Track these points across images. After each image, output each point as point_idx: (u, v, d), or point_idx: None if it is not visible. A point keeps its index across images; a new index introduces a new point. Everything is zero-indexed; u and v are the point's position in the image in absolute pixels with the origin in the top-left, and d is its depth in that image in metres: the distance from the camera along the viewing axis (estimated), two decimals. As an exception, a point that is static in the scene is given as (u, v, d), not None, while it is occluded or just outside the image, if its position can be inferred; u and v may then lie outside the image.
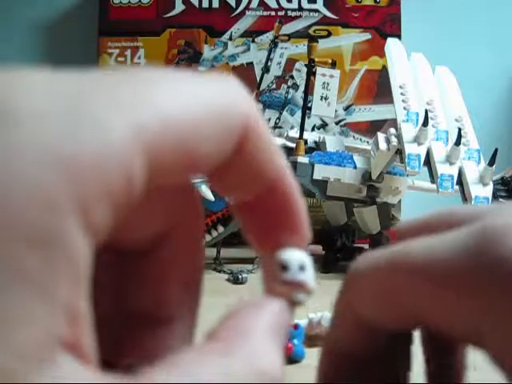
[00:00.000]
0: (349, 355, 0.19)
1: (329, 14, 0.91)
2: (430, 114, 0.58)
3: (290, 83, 0.90)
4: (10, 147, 0.10)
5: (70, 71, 0.12)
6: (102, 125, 0.11)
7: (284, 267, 0.15)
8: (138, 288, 0.16)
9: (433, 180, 0.56)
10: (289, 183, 0.16)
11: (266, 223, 0.16)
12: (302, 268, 0.15)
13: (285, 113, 0.90)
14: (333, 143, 0.72)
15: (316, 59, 0.68)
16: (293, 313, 0.15)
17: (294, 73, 0.90)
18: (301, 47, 0.90)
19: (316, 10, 0.91)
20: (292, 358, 0.32)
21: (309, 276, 0.16)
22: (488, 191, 0.54)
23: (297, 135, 0.69)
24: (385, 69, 0.81)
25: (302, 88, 0.86)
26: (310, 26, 0.91)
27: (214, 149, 0.13)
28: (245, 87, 0.14)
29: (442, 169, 0.55)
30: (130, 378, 0.11)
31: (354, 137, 0.90)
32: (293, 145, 0.68)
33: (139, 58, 0.91)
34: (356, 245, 0.67)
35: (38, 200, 0.10)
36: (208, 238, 0.61)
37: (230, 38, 0.91)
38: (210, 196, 0.59)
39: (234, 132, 0.14)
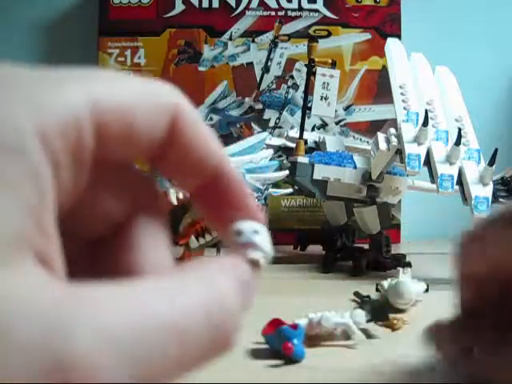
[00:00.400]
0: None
1: (329, 14, 0.91)
2: (430, 114, 0.58)
3: (290, 83, 0.90)
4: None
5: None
6: (60, 87, 0.14)
7: (238, 233, 0.17)
8: (112, 268, 0.17)
9: (433, 180, 0.56)
10: (229, 168, 0.18)
11: (219, 206, 0.18)
12: (255, 231, 0.17)
13: (285, 113, 0.90)
14: (333, 143, 0.72)
15: (316, 59, 0.68)
16: (253, 273, 0.16)
17: (294, 73, 0.90)
18: (301, 47, 0.90)
19: (316, 10, 0.91)
20: (292, 358, 0.32)
21: (263, 239, 0.17)
22: (488, 191, 0.54)
23: (297, 135, 0.69)
24: (385, 69, 0.81)
25: (302, 88, 0.86)
26: (310, 26, 0.91)
27: (147, 124, 0.15)
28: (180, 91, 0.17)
29: (442, 169, 0.55)
30: (86, 289, 0.12)
31: (354, 137, 0.90)
32: (293, 145, 0.68)
33: (139, 57, 0.91)
34: (356, 245, 0.67)
35: (7, 124, 0.12)
36: (208, 237, 0.61)
37: (230, 38, 0.91)
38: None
39: (164, 112, 0.16)
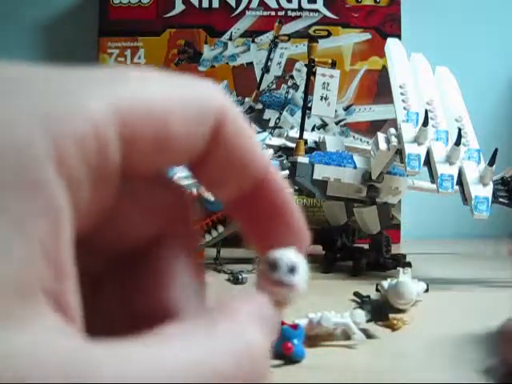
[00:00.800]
0: None
1: (329, 14, 0.91)
2: (430, 114, 0.58)
3: (290, 83, 0.90)
4: (6, 110, 0.11)
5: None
6: (77, 96, 0.12)
7: (273, 267, 0.15)
8: (141, 289, 0.16)
9: (433, 180, 0.56)
10: (276, 180, 0.16)
11: (259, 222, 0.16)
12: (292, 270, 0.15)
13: (285, 113, 0.90)
14: (333, 143, 0.72)
15: (316, 59, 0.68)
16: (280, 312, 0.15)
17: (294, 73, 0.90)
18: (301, 47, 0.90)
19: (316, 10, 0.91)
20: (292, 358, 0.32)
21: (299, 278, 0.15)
22: (488, 191, 0.54)
23: (297, 135, 0.69)
24: (385, 69, 0.81)
25: (302, 88, 0.86)
26: (310, 26, 0.91)
27: (186, 132, 0.14)
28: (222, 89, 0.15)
29: (441, 169, 0.55)
30: (108, 344, 0.11)
31: (354, 137, 0.90)
32: (293, 145, 0.68)
33: (139, 58, 0.91)
34: (356, 245, 0.67)
35: (18, 148, 0.11)
36: (208, 237, 0.61)
37: (230, 38, 0.91)
38: (209, 196, 0.59)
39: (207, 117, 0.14)
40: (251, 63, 0.91)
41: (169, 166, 0.14)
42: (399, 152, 0.58)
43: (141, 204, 0.15)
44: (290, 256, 0.15)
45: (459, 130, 0.56)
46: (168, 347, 0.12)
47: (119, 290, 0.16)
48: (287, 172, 0.64)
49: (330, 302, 0.42)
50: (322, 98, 0.68)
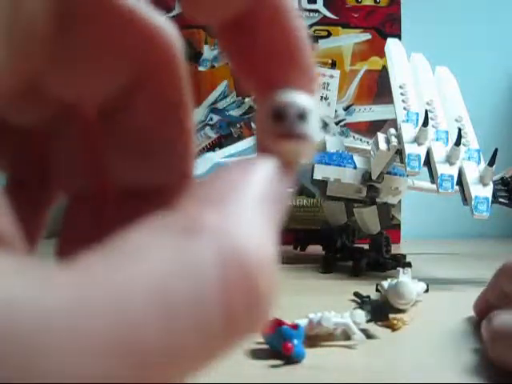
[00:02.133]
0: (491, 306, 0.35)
1: (329, 14, 0.91)
2: (430, 115, 0.58)
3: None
4: None
5: None
6: None
7: (278, 116, 0.12)
8: (117, 157, 0.13)
9: (433, 180, 0.56)
10: None
11: (257, 54, 0.12)
12: (301, 116, 0.12)
13: (285, 113, 0.90)
14: (333, 143, 0.72)
15: (316, 59, 0.69)
16: (292, 172, 0.12)
17: (294, 73, 0.90)
18: (301, 47, 0.90)
19: (316, 10, 0.91)
20: (292, 358, 0.32)
21: (310, 126, 0.12)
22: (488, 191, 0.54)
23: (297, 135, 0.69)
24: (385, 69, 0.81)
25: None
26: (310, 26, 0.91)
27: None
28: None
29: (441, 169, 0.55)
30: (50, 267, 0.08)
31: (354, 137, 0.90)
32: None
33: (139, 58, 0.91)
34: (356, 245, 0.67)
35: None
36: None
37: (230, 38, 0.91)
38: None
39: None
40: (251, 63, 0.91)
41: None
42: (399, 152, 0.58)
43: (93, 48, 0.12)
44: (300, 99, 0.12)
45: (459, 130, 0.56)
46: (118, 272, 0.08)
47: (91, 154, 0.13)
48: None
49: (330, 302, 0.42)
50: (322, 98, 0.68)
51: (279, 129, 0.12)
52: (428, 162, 0.56)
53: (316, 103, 0.12)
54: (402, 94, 0.62)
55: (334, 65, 0.88)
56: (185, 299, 0.08)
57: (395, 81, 0.63)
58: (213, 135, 0.85)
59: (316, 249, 0.70)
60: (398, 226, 0.89)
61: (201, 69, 0.91)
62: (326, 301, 0.41)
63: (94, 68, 0.12)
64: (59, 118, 0.13)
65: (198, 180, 0.11)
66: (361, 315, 0.37)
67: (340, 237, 0.66)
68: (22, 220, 0.09)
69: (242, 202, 0.10)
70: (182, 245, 0.09)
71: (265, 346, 0.34)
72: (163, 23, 0.12)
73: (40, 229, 0.14)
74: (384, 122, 0.89)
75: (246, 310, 0.09)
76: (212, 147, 0.86)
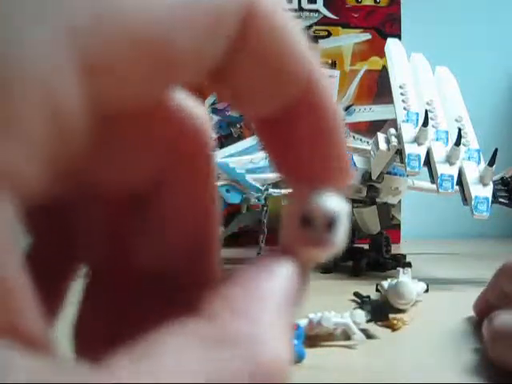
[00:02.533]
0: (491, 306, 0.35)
1: (329, 14, 0.91)
2: (430, 114, 0.58)
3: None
4: None
5: None
6: (10, 39, 0.08)
7: (307, 221, 0.12)
8: (142, 243, 0.14)
9: (433, 180, 0.56)
10: (322, 93, 0.12)
11: (294, 147, 0.12)
12: (329, 225, 0.12)
13: (285, 113, 0.90)
14: (333, 143, 0.72)
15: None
16: (308, 273, 0.12)
17: (294, 73, 0.90)
18: (301, 47, 0.90)
19: (316, 11, 0.91)
20: (292, 358, 0.32)
21: (337, 234, 0.12)
22: (488, 191, 0.54)
23: (297, 135, 0.69)
24: (385, 69, 0.81)
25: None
26: (310, 26, 0.91)
27: (195, 42, 0.10)
28: None
29: (441, 169, 0.55)
30: (83, 371, 0.08)
31: (353, 137, 0.90)
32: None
33: (139, 58, 0.91)
34: (356, 245, 0.67)
35: None
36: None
37: (230, 38, 0.91)
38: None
39: (227, 18, 0.10)
40: (251, 63, 0.91)
41: (171, 87, 0.11)
42: (399, 152, 0.58)
43: (130, 142, 0.12)
44: (330, 206, 0.12)
45: (459, 130, 0.56)
46: (155, 366, 0.09)
47: (115, 237, 0.14)
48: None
49: (330, 302, 0.42)
50: (321, 98, 0.68)
51: (306, 234, 0.12)
52: (428, 161, 0.56)
53: (346, 206, 0.12)
54: (402, 94, 0.62)
55: (334, 65, 0.88)
56: None
57: (395, 81, 0.63)
58: (213, 135, 0.85)
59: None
60: (398, 226, 0.89)
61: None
62: (326, 301, 0.41)
63: (130, 159, 0.12)
64: (88, 195, 0.13)
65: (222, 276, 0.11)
66: (361, 315, 0.37)
67: (340, 237, 0.65)
68: (43, 290, 0.09)
69: (266, 312, 0.10)
70: (211, 354, 0.09)
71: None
72: (197, 112, 0.13)
73: (60, 300, 0.14)
74: (384, 122, 0.89)
75: None
76: (212, 147, 0.86)
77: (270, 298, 0.10)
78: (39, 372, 0.08)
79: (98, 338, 0.12)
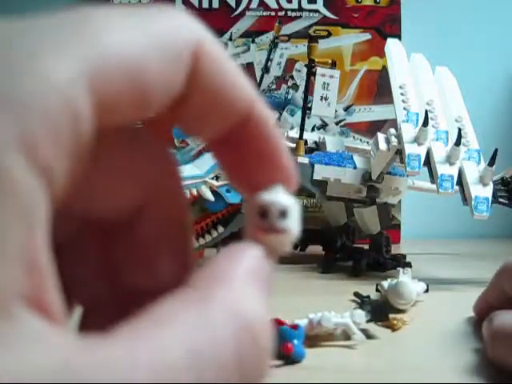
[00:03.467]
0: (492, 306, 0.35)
1: (329, 15, 0.91)
2: (430, 115, 0.58)
3: (289, 83, 0.90)
4: None
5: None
6: (34, 60, 0.10)
7: (262, 213, 0.14)
8: (128, 262, 0.15)
9: (433, 180, 0.56)
10: (261, 115, 0.14)
11: (244, 161, 0.15)
12: (282, 214, 0.14)
13: (285, 113, 0.90)
14: (333, 143, 0.72)
15: (316, 59, 0.68)
16: (275, 260, 0.14)
17: (294, 73, 0.90)
18: (301, 47, 0.90)
19: (316, 11, 0.91)
20: (292, 358, 0.32)
21: (291, 222, 0.14)
22: (488, 191, 0.54)
23: (297, 135, 0.69)
24: (385, 69, 0.81)
25: (302, 88, 0.86)
26: (310, 26, 0.91)
27: (162, 79, 0.12)
28: (191, 17, 0.14)
29: (441, 169, 0.55)
30: (90, 347, 0.10)
31: (354, 137, 0.90)
32: (293, 145, 0.68)
33: (139, 58, 0.91)
34: (356, 245, 0.67)
35: None
36: (208, 238, 0.61)
37: (230, 39, 0.91)
38: (209, 196, 0.59)
39: (181, 59, 0.13)
40: (251, 63, 0.91)
41: (146, 116, 0.13)
42: (399, 152, 0.58)
43: (116, 172, 0.14)
44: (280, 198, 0.14)
45: (459, 130, 0.56)
46: (157, 337, 0.11)
47: (103, 263, 0.15)
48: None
49: (330, 302, 0.42)
50: (321, 99, 0.68)
51: (263, 224, 0.14)
52: (428, 162, 0.56)
53: (295, 201, 0.14)
54: (402, 94, 0.62)
55: (334, 65, 0.87)
56: (208, 356, 0.11)
57: (395, 81, 0.63)
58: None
59: (316, 249, 0.70)
60: (398, 226, 0.89)
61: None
62: (326, 301, 0.41)
63: (115, 186, 0.15)
64: (75, 229, 0.15)
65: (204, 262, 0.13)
66: (361, 315, 0.37)
67: (340, 237, 0.66)
68: None
69: (240, 279, 0.13)
70: (201, 312, 0.11)
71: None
72: (167, 148, 0.15)
73: None
74: (384, 122, 0.89)
75: (255, 361, 0.12)
76: (212, 147, 0.86)
77: (241, 268, 0.13)
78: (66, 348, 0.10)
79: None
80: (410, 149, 0.56)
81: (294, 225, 0.14)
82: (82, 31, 0.11)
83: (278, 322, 0.34)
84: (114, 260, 0.15)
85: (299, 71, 0.90)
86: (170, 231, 0.15)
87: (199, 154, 0.76)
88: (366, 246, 0.65)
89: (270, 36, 0.91)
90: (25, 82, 0.10)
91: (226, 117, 0.14)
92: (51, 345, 0.09)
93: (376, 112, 0.91)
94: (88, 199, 0.14)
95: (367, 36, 0.91)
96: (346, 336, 0.36)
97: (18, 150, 0.10)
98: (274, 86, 0.90)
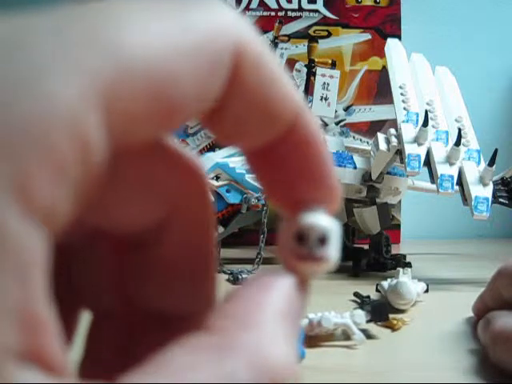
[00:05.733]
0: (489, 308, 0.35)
1: (329, 15, 0.91)
2: (430, 115, 0.58)
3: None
4: None
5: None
6: (39, 79, 0.09)
7: (300, 238, 0.13)
8: (144, 283, 0.14)
9: (433, 180, 0.56)
10: (307, 127, 0.13)
11: (285, 176, 0.13)
12: (322, 241, 0.13)
13: (285, 113, 0.90)
14: (333, 143, 0.72)
15: (316, 59, 0.69)
16: (306, 290, 0.13)
17: (294, 73, 0.90)
18: (301, 47, 0.90)
19: (316, 11, 0.91)
20: (292, 358, 0.32)
21: (330, 250, 0.13)
22: (488, 192, 0.54)
23: (297, 135, 0.69)
24: (385, 69, 0.81)
25: (301, 88, 0.86)
26: (310, 27, 0.91)
27: (196, 90, 0.11)
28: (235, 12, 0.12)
29: (441, 169, 0.55)
30: None
31: (353, 137, 0.90)
32: (293, 145, 0.68)
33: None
34: (356, 245, 0.67)
35: None
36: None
37: (230, 39, 0.91)
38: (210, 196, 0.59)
39: (220, 64, 0.11)
40: (251, 63, 0.91)
41: (174, 129, 0.12)
42: (399, 152, 0.58)
43: (136, 185, 0.13)
44: (321, 223, 0.13)
45: (459, 130, 0.56)
46: (166, 378, 0.10)
47: (118, 276, 0.14)
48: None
49: (330, 302, 0.42)
50: (321, 99, 0.68)
51: (301, 250, 0.13)
52: (428, 162, 0.56)
53: (337, 225, 0.13)
54: (402, 94, 0.62)
55: (334, 65, 0.88)
56: None
57: (395, 81, 0.63)
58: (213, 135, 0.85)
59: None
60: (398, 225, 0.89)
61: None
62: (326, 301, 0.41)
63: (133, 202, 0.13)
64: (90, 238, 0.14)
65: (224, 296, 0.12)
66: (361, 315, 0.37)
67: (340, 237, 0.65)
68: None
69: (267, 321, 0.11)
70: (220, 363, 0.10)
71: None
72: (194, 159, 0.14)
73: (67, 344, 0.14)
74: (384, 122, 0.89)
75: None
76: (212, 147, 0.86)
77: (270, 307, 0.11)
78: None
79: (105, 370, 0.13)
80: (409, 149, 0.56)
81: (333, 252, 0.13)
82: (95, 32, 0.10)
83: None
84: (130, 274, 0.14)
85: (299, 71, 0.90)
86: (192, 251, 0.14)
87: (199, 154, 0.76)
88: (366, 246, 0.65)
89: (269, 36, 0.91)
90: (24, 108, 0.09)
91: (267, 127, 0.12)
92: None
93: (376, 112, 0.91)
94: (104, 212, 0.13)
95: (367, 36, 0.91)
96: (346, 336, 0.36)
97: (13, 197, 0.09)
98: (274, 86, 0.90)
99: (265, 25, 0.91)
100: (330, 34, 0.91)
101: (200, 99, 0.11)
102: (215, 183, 0.60)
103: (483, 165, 0.56)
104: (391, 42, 0.69)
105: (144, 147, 0.12)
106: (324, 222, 0.13)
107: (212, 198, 0.15)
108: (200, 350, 0.10)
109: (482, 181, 0.55)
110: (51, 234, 0.09)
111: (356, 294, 0.47)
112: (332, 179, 0.13)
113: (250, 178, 0.61)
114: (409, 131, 0.58)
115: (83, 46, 0.09)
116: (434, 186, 0.56)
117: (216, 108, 0.12)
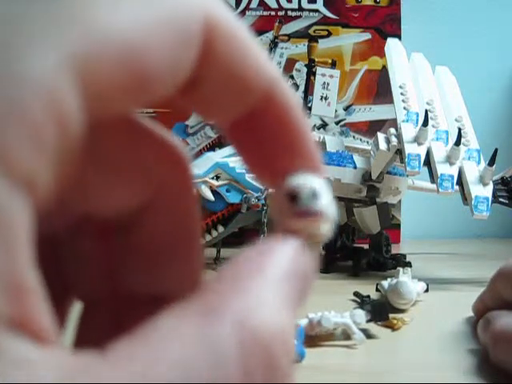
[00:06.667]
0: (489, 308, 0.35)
1: (329, 14, 0.91)
2: (430, 114, 0.58)
3: (289, 83, 0.90)
4: None
5: None
6: (15, 53, 0.09)
7: (293, 197, 0.13)
8: (131, 268, 0.14)
9: (433, 180, 0.56)
10: (283, 94, 0.13)
11: (265, 147, 0.13)
12: (314, 195, 0.13)
13: (285, 113, 0.90)
14: (333, 143, 0.72)
15: (316, 59, 0.68)
16: (315, 250, 0.13)
17: (294, 73, 0.90)
18: (301, 47, 0.90)
19: (316, 10, 0.91)
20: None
21: (324, 203, 0.13)
22: (488, 191, 0.54)
23: (297, 135, 0.69)
24: (385, 69, 0.81)
25: (302, 88, 0.86)
26: (310, 26, 0.91)
27: (167, 62, 0.11)
28: None
29: (441, 169, 0.55)
30: (88, 357, 0.09)
31: (353, 137, 0.90)
32: (293, 145, 0.68)
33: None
34: (356, 245, 0.67)
35: None
36: (208, 237, 0.61)
37: (230, 38, 0.91)
38: (209, 196, 0.59)
39: (190, 35, 0.11)
40: (251, 63, 0.91)
41: (149, 103, 0.12)
42: (399, 152, 0.58)
43: (119, 166, 0.13)
44: (310, 180, 0.13)
45: (459, 130, 0.56)
46: (150, 355, 0.09)
47: (106, 265, 0.14)
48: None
49: (330, 302, 0.42)
50: (321, 98, 0.68)
51: (295, 208, 0.13)
52: (428, 161, 0.56)
53: (326, 183, 0.13)
54: (402, 93, 0.62)
55: (334, 65, 0.88)
56: (207, 377, 0.09)
57: (395, 81, 0.63)
58: (213, 135, 0.85)
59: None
60: (398, 226, 0.89)
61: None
62: (326, 301, 0.41)
63: (114, 183, 0.13)
64: (74, 225, 0.14)
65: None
66: (361, 315, 0.37)
67: (340, 237, 0.66)
68: None
69: (263, 283, 0.11)
70: (204, 327, 0.10)
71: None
72: (176, 141, 0.14)
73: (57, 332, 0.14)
74: (384, 121, 0.89)
75: (268, 378, 0.10)
76: (212, 147, 0.86)
77: (271, 269, 0.11)
78: (59, 367, 0.09)
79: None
80: (409, 148, 0.56)
81: (328, 206, 0.13)
82: (70, 9, 0.10)
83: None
84: (117, 259, 0.15)
85: (299, 71, 0.90)
86: (176, 232, 0.14)
87: (199, 153, 0.76)
88: (366, 246, 0.65)
89: (269, 36, 0.91)
90: None
91: (243, 98, 0.13)
92: (38, 369, 0.09)
93: (376, 112, 0.91)
94: (87, 195, 0.13)
95: (367, 36, 0.91)
96: (346, 336, 0.36)
97: None
98: (273, 86, 0.90)
99: (265, 24, 0.91)
100: (329, 34, 0.91)
101: (173, 70, 0.11)
102: (215, 183, 0.60)
103: (483, 164, 0.56)
104: (391, 42, 0.69)
105: (126, 128, 0.12)
106: (312, 179, 0.13)
107: (193, 177, 0.15)
108: (188, 313, 0.10)
109: (482, 180, 0.55)
110: (34, 204, 0.09)
111: (356, 294, 0.47)
112: (310, 145, 0.13)
113: (250, 178, 0.61)
114: (409, 131, 0.58)
115: (58, 22, 0.10)
116: (433, 186, 0.56)
117: (191, 81, 0.12)
